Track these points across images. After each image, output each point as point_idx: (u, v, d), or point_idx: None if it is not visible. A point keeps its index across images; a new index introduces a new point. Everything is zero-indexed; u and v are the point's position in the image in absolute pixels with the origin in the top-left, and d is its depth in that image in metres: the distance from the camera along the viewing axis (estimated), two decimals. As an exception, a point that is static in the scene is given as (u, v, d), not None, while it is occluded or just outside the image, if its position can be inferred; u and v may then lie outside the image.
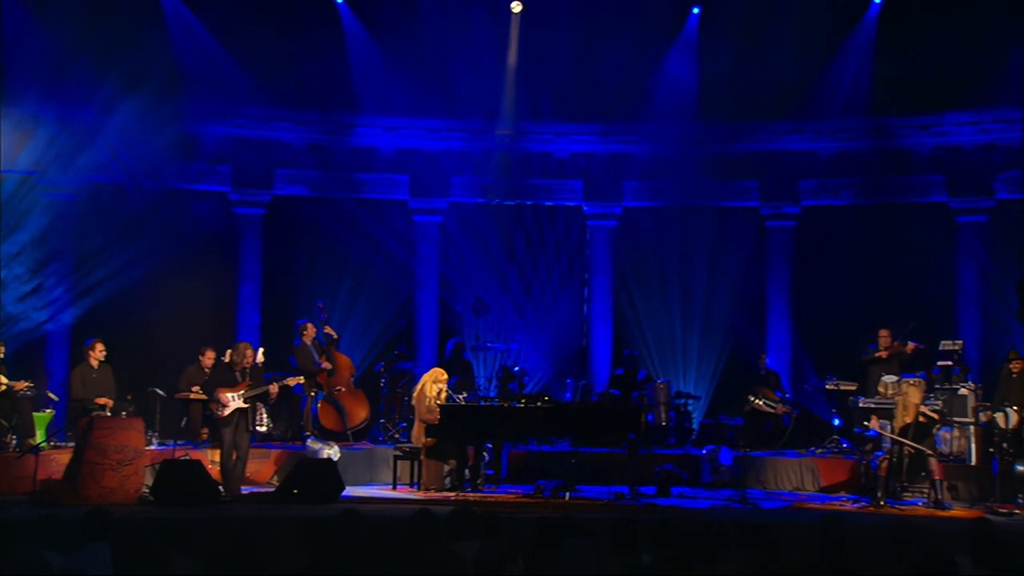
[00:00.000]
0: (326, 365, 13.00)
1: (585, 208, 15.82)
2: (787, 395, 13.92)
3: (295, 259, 15.18)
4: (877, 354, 12.87)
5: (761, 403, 13.34)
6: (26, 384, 11.54)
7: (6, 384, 11.35)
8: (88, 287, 13.84)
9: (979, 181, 14.52)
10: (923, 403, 10.68)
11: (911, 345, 12.77)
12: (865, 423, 10.97)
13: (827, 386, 13.18)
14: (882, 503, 10.34)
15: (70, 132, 13.63)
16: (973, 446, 11.30)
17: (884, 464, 10.51)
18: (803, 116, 15.05)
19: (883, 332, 12.98)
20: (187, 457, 10.71)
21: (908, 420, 10.47)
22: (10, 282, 13.21)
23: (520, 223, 15.78)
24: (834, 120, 14.94)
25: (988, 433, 11.04)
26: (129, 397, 12.14)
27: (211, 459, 11.06)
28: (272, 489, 10.80)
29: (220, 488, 10.32)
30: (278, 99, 14.65)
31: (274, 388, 10.64)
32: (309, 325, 13.13)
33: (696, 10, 15.07)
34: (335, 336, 13.37)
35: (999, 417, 10.91)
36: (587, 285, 15.90)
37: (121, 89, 13.40)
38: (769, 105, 14.64)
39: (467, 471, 11.26)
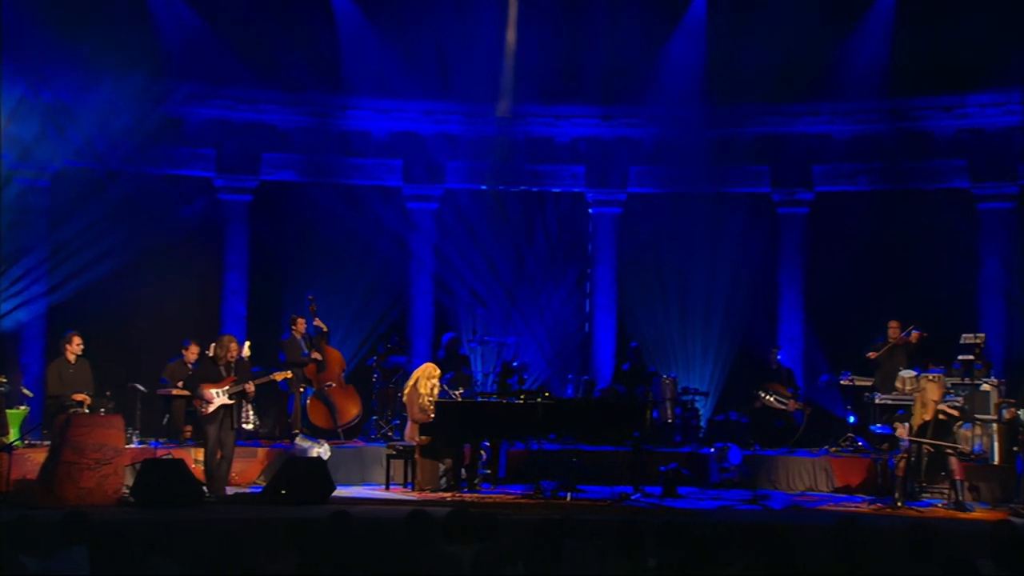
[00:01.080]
0: (316, 356, 12.90)
1: (588, 195, 15.64)
2: (800, 391, 13.79)
3: (283, 248, 15.02)
4: (868, 354, 12.78)
5: (771, 399, 13.27)
6: (-1, 379, 11.44)
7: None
8: (64, 277, 13.65)
9: (1003, 166, 14.27)
10: (943, 400, 10.56)
11: (916, 334, 12.70)
12: (894, 428, 10.62)
13: (842, 382, 13.04)
14: (900, 504, 10.13)
15: (46, 114, 13.46)
16: (996, 445, 11.14)
17: (902, 463, 10.41)
18: (817, 97, 14.80)
19: (892, 323, 12.88)
20: (169, 456, 10.55)
21: (927, 417, 10.40)
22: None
23: (519, 211, 15.66)
24: (850, 101, 14.64)
25: (1012, 431, 10.86)
26: (108, 393, 11.95)
27: (194, 458, 10.94)
28: (259, 489, 10.64)
29: (204, 488, 10.18)
30: (265, 80, 14.43)
31: (250, 387, 10.47)
32: (300, 319, 13.03)
33: (704, -15, 14.87)
34: (325, 329, 13.24)
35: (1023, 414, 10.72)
36: (590, 276, 15.74)
37: (101, 70, 13.25)
38: (781, 86, 14.46)
39: (464, 470, 11.14)
